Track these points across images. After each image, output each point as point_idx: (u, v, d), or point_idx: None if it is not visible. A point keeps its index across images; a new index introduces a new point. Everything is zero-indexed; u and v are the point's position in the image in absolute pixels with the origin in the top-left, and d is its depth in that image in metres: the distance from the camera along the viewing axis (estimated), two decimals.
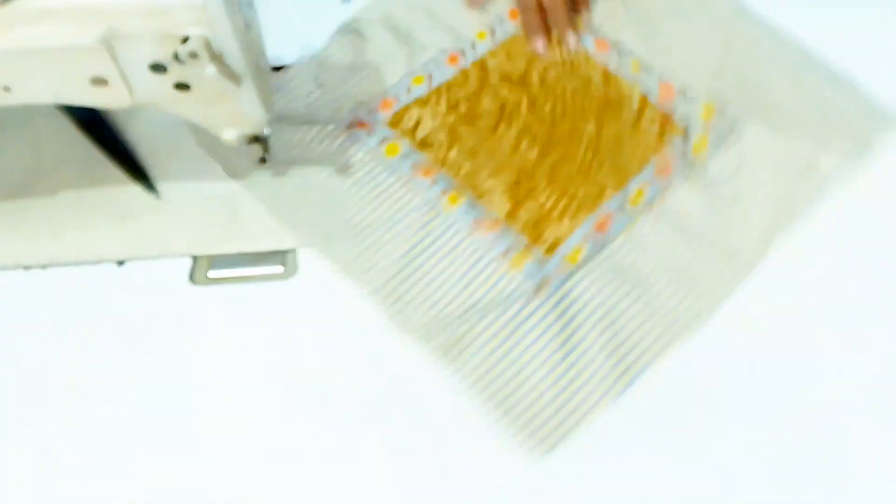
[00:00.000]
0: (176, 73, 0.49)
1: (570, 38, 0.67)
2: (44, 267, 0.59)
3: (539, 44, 0.67)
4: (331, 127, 0.65)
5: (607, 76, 0.66)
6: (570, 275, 0.57)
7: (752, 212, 0.59)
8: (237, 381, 0.55)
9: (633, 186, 0.60)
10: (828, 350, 0.55)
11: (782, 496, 0.50)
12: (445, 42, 0.68)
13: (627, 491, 0.51)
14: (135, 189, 0.62)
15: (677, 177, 0.61)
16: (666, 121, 0.63)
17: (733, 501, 0.50)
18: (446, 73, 0.67)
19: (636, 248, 0.58)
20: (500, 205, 0.60)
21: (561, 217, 0.59)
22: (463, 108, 0.65)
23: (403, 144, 0.64)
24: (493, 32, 0.69)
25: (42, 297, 0.58)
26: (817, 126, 0.61)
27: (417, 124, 0.64)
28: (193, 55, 0.48)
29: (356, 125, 0.65)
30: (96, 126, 0.64)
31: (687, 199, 0.60)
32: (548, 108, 0.65)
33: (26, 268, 0.59)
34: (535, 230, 0.59)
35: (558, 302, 0.56)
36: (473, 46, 0.68)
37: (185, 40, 0.47)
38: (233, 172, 0.63)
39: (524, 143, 0.63)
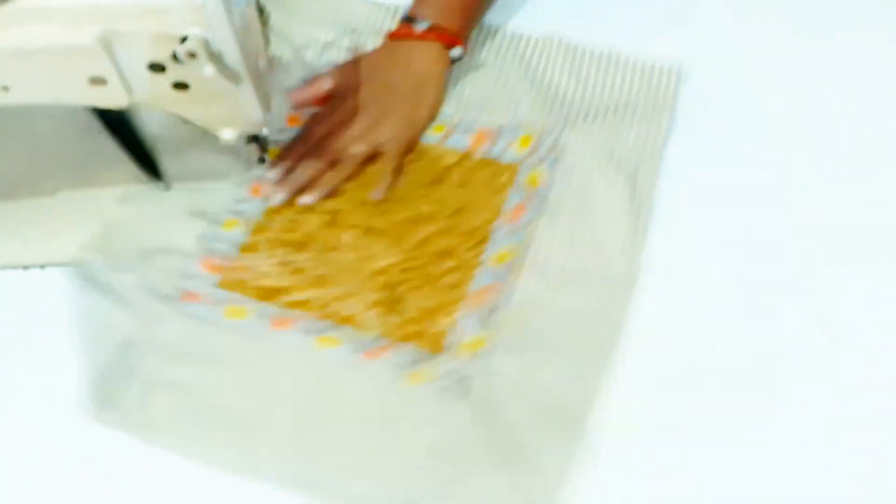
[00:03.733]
0: (174, 72, 0.49)
1: (309, 198, 0.60)
2: (43, 267, 0.59)
3: (278, 196, 0.60)
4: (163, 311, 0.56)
5: (419, 151, 0.63)
6: (490, 356, 0.53)
7: (608, 226, 0.58)
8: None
9: (493, 249, 0.57)
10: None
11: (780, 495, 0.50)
12: (241, 176, 0.62)
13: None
14: (134, 189, 0.62)
15: (531, 214, 0.59)
16: (492, 165, 0.61)
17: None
18: (255, 207, 0.60)
19: (530, 307, 0.55)
20: (376, 326, 0.55)
21: (446, 312, 0.55)
22: (294, 236, 0.59)
23: (248, 303, 0.56)
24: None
25: (41, 297, 0.58)
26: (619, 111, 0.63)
27: (254, 276, 0.57)
28: (192, 55, 0.48)
29: (189, 298, 0.56)
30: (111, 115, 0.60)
31: (548, 243, 0.58)
32: (381, 205, 0.60)
33: (25, 268, 0.59)
34: (425, 337, 0.54)
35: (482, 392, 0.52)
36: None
37: (183, 40, 0.47)
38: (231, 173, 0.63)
39: (373, 251, 0.58)
